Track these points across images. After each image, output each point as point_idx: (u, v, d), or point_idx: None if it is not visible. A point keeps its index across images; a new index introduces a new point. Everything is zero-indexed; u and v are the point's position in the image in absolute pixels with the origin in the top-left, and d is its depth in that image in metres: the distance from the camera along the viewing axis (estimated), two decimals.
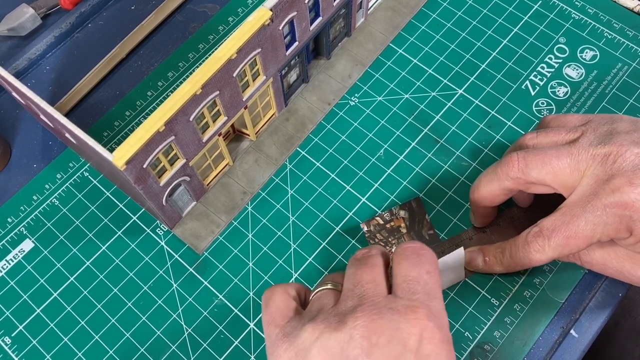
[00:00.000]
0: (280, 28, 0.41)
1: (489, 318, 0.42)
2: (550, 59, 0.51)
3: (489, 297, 0.42)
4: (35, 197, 0.48)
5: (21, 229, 0.47)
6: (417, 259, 0.33)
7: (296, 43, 0.45)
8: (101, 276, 0.45)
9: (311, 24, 0.45)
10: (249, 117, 0.46)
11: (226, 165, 0.47)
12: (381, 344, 0.29)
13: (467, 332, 0.41)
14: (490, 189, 0.39)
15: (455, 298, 0.42)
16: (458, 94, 0.50)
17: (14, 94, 0.44)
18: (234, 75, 0.39)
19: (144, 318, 0.43)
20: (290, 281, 0.44)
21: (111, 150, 0.41)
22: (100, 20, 0.55)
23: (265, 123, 0.49)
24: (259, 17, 0.39)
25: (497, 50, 0.51)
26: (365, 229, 0.44)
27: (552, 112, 0.49)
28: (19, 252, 0.46)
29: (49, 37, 0.53)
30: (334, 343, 0.29)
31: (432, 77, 0.51)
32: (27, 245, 0.46)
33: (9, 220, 0.47)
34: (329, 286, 0.34)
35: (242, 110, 0.44)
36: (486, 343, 0.41)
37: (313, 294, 0.34)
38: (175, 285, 0.44)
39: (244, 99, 0.43)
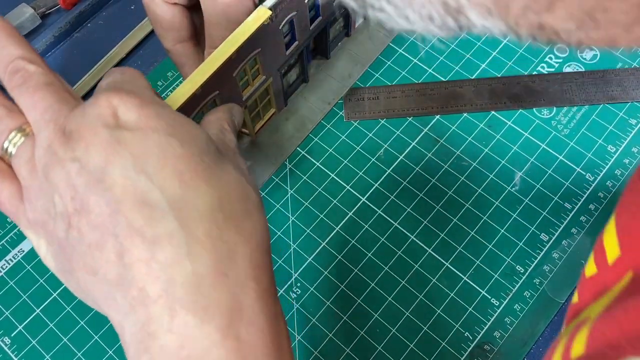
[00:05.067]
0: (280, 27, 0.41)
1: (489, 318, 0.42)
2: (551, 58, 0.51)
3: (489, 297, 0.42)
4: None
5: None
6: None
7: (296, 42, 0.44)
8: None
9: (311, 24, 0.45)
10: (249, 117, 0.45)
11: None
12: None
13: (467, 332, 0.41)
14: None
15: (455, 298, 0.42)
16: None
17: None
18: (234, 74, 0.39)
19: None
20: (290, 282, 0.44)
21: None
22: (100, 20, 0.55)
23: (265, 123, 0.48)
24: (259, 16, 0.38)
25: (497, 50, 0.51)
26: None
27: (551, 112, 0.49)
28: (19, 252, 0.46)
29: (49, 36, 0.53)
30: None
31: (432, 77, 0.50)
32: (27, 245, 0.46)
33: (9, 220, 0.47)
34: None
35: (242, 110, 0.44)
36: (486, 343, 0.41)
37: None
38: None
39: (243, 99, 0.43)
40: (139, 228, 0.25)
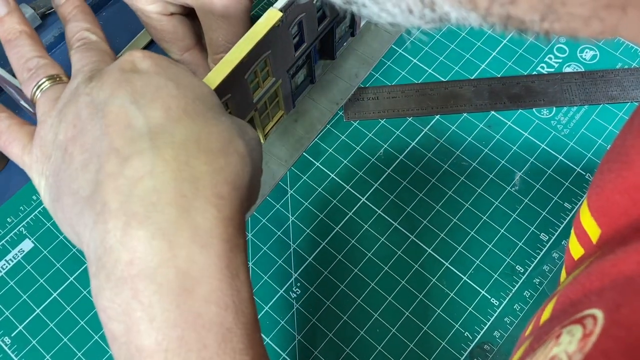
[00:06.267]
0: (290, 29, 0.41)
1: (488, 318, 0.42)
2: (550, 58, 0.51)
3: (489, 297, 0.42)
4: (34, 197, 0.48)
5: (21, 229, 0.47)
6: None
7: (304, 43, 0.44)
8: None
9: (319, 24, 0.45)
10: (259, 119, 0.45)
11: None
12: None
13: (466, 332, 0.41)
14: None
15: (455, 298, 0.42)
16: None
17: (14, 93, 0.44)
18: (245, 77, 0.39)
19: None
20: (290, 282, 0.44)
21: None
22: (100, 20, 0.55)
23: (274, 125, 0.48)
24: (270, 18, 0.38)
25: (497, 50, 0.51)
26: None
27: (551, 112, 0.49)
28: (19, 252, 0.46)
29: (49, 37, 0.53)
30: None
31: (432, 77, 0.50)
32: (27, 245, 0.46)
33: (9, 220, 0.47)
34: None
35: (253, 113, 0.44)
36: (486, 343, 0.41)
37: None
38: None
39: (254, 101, 0.43)
40: (116, 147, 0.27)
